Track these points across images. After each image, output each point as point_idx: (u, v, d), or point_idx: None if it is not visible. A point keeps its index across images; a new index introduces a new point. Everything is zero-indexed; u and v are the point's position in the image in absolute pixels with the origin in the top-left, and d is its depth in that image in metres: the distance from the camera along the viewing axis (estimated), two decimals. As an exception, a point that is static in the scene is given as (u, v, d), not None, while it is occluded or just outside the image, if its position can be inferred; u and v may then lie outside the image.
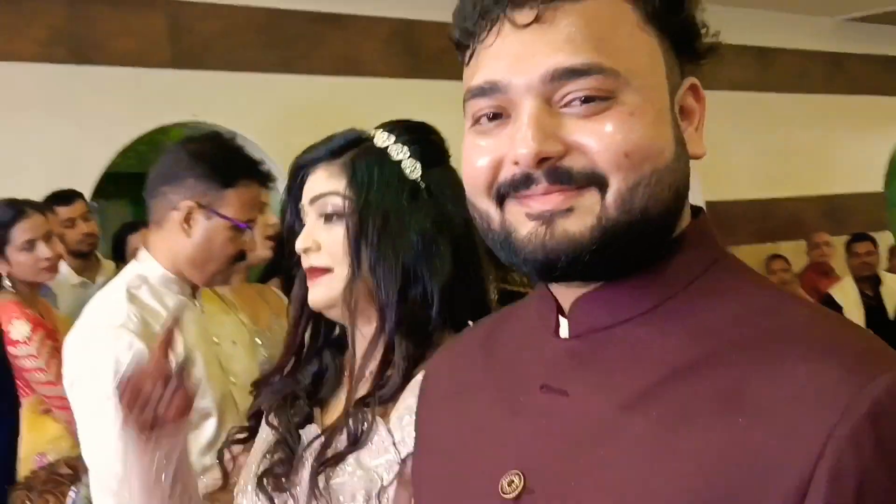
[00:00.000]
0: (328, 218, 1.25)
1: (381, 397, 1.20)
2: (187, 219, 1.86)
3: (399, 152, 1.27)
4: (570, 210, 0.72)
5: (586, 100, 0.72)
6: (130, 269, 1.96)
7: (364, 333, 1.25)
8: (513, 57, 0.74)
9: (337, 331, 1.34)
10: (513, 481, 0.76)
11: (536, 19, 0.73)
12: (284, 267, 2.35)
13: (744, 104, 6.53)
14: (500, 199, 0.76)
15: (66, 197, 3.75)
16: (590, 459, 0.72)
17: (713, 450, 0.67)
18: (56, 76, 4.25)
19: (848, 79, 7.36)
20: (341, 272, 1.24)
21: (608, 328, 0.77)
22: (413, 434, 1.08)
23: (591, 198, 0.72)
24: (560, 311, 0.80)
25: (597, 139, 0.72)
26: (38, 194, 3.49)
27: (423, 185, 1.27)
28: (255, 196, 1.94)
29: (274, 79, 4.72)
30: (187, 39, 4.58)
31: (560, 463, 0.74)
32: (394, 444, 1.17)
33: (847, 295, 5.40)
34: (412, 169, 1.27)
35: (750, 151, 6.58)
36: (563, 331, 0.80)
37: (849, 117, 7.26)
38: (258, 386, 1.37)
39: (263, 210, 2.22)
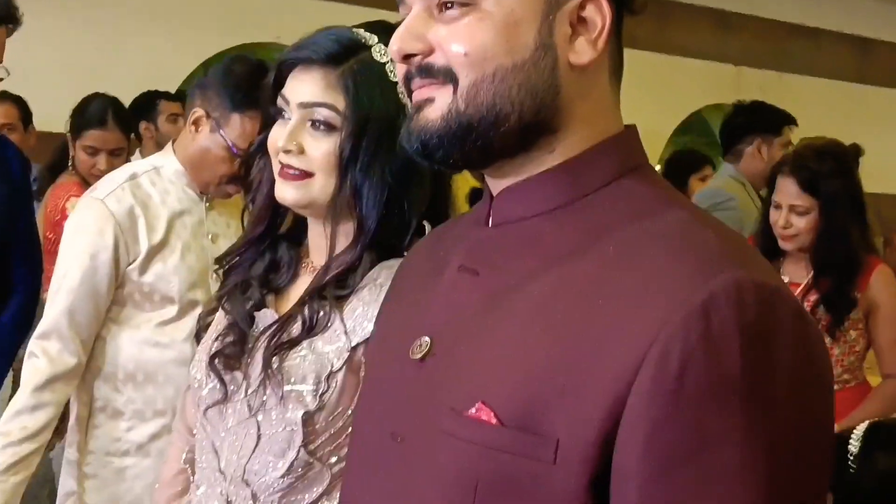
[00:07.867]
0: (317, 126, 1.24)
1: (338, 294, 1.25)
2: (196, 123, 1.96)
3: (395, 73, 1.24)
4: (431, 100, 0.83)
5: (446, 6, 0.81)
6: (152, 158, 2.07)
7: (331, 233, 1.26)
8: None
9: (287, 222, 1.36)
10: (420, 345, 0.86)
11: None
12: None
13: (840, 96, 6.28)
14: (409, 93, 0.86)
15: (176, 94, 3.90)
16: (481, 327, 0.82)
17: (572, 324, 0.75)
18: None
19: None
20: (321, 180, 1.25)
21: (521, 220, 0.85)
22: (364, 324, 1.20)
23: (447, 92, 0.82)
24: (492, 203, 0.89)
25: (447, 41, 0.81)
26: (128, 96, 3.65)
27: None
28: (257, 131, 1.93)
29: (362, 11, 4.38)
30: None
31: (459, 329, 0.84)
32: (345, 332, 1.23)
33: None
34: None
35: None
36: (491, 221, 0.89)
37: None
38: (221, 261, 1.39)
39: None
